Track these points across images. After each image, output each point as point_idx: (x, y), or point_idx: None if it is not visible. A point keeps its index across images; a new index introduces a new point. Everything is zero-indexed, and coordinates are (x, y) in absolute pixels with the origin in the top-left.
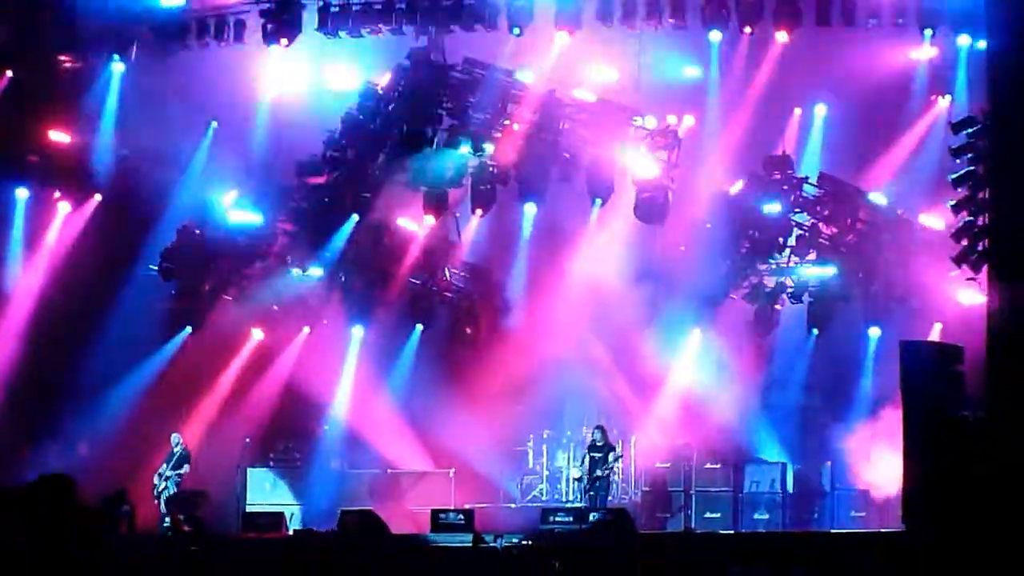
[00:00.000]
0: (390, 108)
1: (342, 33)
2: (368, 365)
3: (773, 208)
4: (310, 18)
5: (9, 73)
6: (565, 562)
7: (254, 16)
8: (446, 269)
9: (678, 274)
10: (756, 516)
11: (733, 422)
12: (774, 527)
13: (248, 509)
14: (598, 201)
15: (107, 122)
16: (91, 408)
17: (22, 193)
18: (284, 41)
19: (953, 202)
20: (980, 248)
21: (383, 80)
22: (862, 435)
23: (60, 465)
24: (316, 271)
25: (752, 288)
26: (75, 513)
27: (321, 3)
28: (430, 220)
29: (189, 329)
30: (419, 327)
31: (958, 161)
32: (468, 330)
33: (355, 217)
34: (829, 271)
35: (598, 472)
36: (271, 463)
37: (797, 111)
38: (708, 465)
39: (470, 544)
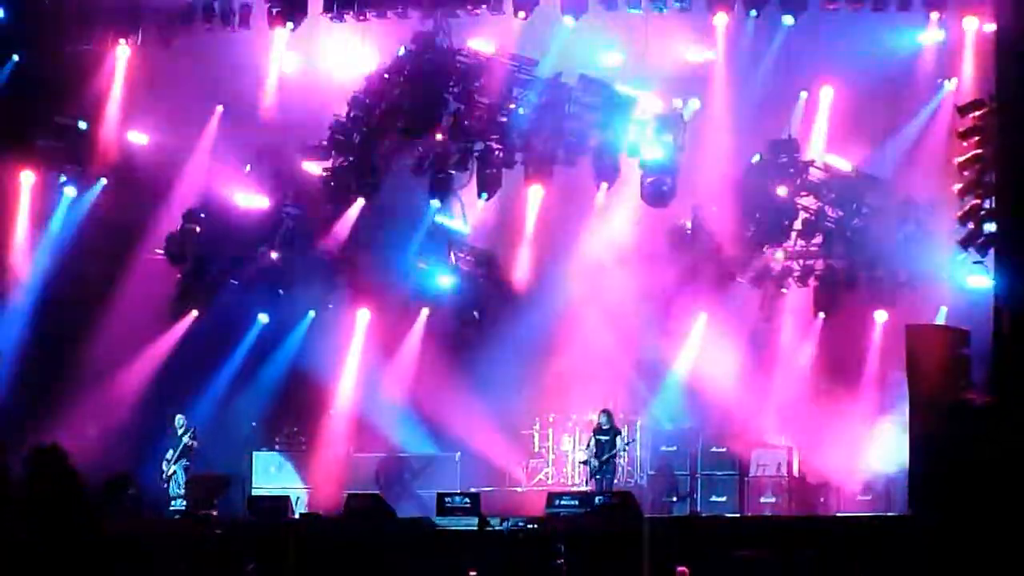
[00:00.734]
0: (396, 92)
1: (347, 17)
2: (374, 349)
3: (779, 191)
4: (315, 1)
5: (15, 57)
6: (571, 546)
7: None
8: (452, 253)
9: (684, 257)
10: (762, 500)
11: (739, 406)
12: (780, 511)
13: (254, 492)
14: (604, 184)
15: (113, 106)
16: (98, 392)
17: (27, 176)
18: (290, 25)
19: (959, 185)
20: (986, 231)
21: (389, 64)
22: (868, 419)
23: (67, 448)
24: (322, 255)
25: (758, 272)
26: (69, 485)
27: None
28: (436, 204)
29: (195, 313)
30: (425, 311)
31: (964, 144)
32: (474, 313)
33: (361, 201)
34: (835, 255)
35: (605, 456)
36: (277, 447)
37: (803, 94)
38: (714, 449)
39: (476, 528)
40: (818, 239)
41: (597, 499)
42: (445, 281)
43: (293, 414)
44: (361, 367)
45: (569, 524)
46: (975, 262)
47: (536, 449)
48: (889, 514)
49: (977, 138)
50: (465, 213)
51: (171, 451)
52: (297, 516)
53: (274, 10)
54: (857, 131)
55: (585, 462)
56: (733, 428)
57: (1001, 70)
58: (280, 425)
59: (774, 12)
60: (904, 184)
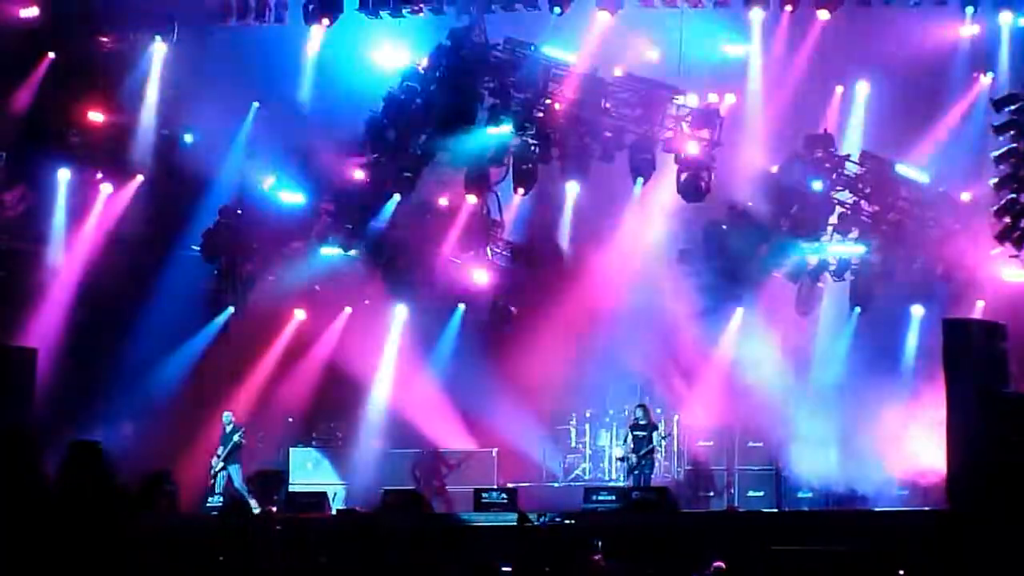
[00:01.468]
0: (432, 88)
1: (383, 13)
2: (410, 344)
3: (815, 186)
4: None
5: (51, 55)
6: (608, 541)
7: None
8: (488, 248)
9: (720, 252)
10: (800, 495)
11: (776, 400)
12: (818, 506)
13: (290, 488)
14: (640, 180)
15: (149, 102)
16: (135, 389)
17: (64, 174)
18: (325, 21)
19: (995, 179)
20: (1022, 225)
21: (425, 60)
22: (906, 413)
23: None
24: (358, 251)
25: (794, 266)
26: (106, 481)
27: None
28: (472, 199)
29: (231, 309)
30: (461, 306)
31: (1000, 138)
32: (511, 308)
33: (397, 197)
34: (871, 249)
35: (642, 451)
36: (313, 442)
37: (839, 89)
38: (751, 443)
39: (515, 523)
40: (854, 233)
41: (634, 494)
42: (481, 276)
43: (329, 410)
44: (398, 363)
45: (606, 519)
46: (1012, 256)
47: (573, 444)
48: (926, 508)
49: (1012, 132)
50: (501, 208)
51: (221, 448)
52: (334, 512)
53: (310, 6)
54: (893, 125)
55: (622, 458)
56: (770, 423)
57: None
58: (316, 421)
59: (809, 7)
60: (940, 178)
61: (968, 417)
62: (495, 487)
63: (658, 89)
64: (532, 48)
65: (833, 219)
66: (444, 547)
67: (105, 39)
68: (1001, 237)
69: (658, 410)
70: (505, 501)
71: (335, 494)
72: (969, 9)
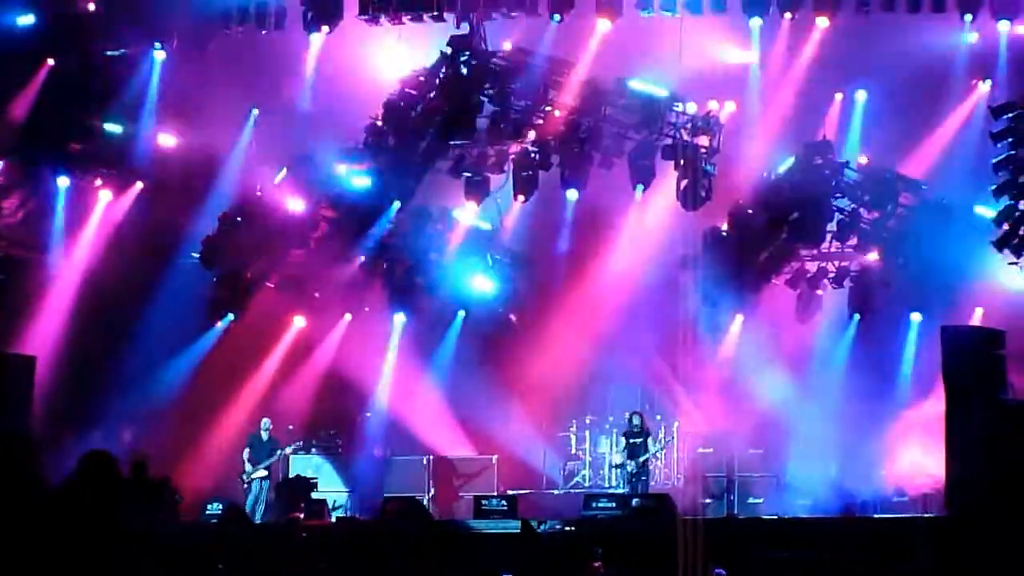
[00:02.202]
0: (431, 95)
1: (383, 19)
2: (410, 352)
3: (814, 193)
4: (351, 4)
5: (50, 61)
6: (608, 548)
7: (295, 2)
8: (488, 255)
9: (720, 259)
10: (799, 502)
11: (775, 408)
12: (817, 513)
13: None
14: (640, 187)
15: (148, 110)
16: (134, 396)
17: (64, 181)
18: (325, 28)
19: (994, 186)
20: (1021, 232)
21: (425, 67)
22: (904, 421)
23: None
24: (358, 258)
25: (793, 273)
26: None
27: None
28: (472, 207)
29: (231, 317)
30: (461, 313)
31: (999, 146)
32: (511, 316)
33: (397, 204)
34: (870, 256)
35: (640, 457)
36: (313, 450)
37: (838, 96)
38: (751, 450)
39: (518, 530)
40: (853, 240)
41: (634, 501)
42: (481, 284)
43: (329, 417)
44: (397, 370)
45: (606, 526)
46: (1010, 263)
47: (573, 451)
48: (925, 516)
49: (1011, 139)
50: (501, 215)
51: (248, 451)
52: (334, 520)
53: (309, 13)
54: (892, 132)
55: (619, 465)
56: (769, 430)
57: None
58: (316, 428)
59: (809, 15)
60: (938, 185)
61: (967, 424)
62: (495, 494)
63: (658, 96)
64: (532, 55)
65: (832, 226)
66: (444, 555)
67: (105, 47)
68: (1000, 244)
69: (658, 417)
70: (505, 508)
71: (335, 501)
72: (967, 17)
